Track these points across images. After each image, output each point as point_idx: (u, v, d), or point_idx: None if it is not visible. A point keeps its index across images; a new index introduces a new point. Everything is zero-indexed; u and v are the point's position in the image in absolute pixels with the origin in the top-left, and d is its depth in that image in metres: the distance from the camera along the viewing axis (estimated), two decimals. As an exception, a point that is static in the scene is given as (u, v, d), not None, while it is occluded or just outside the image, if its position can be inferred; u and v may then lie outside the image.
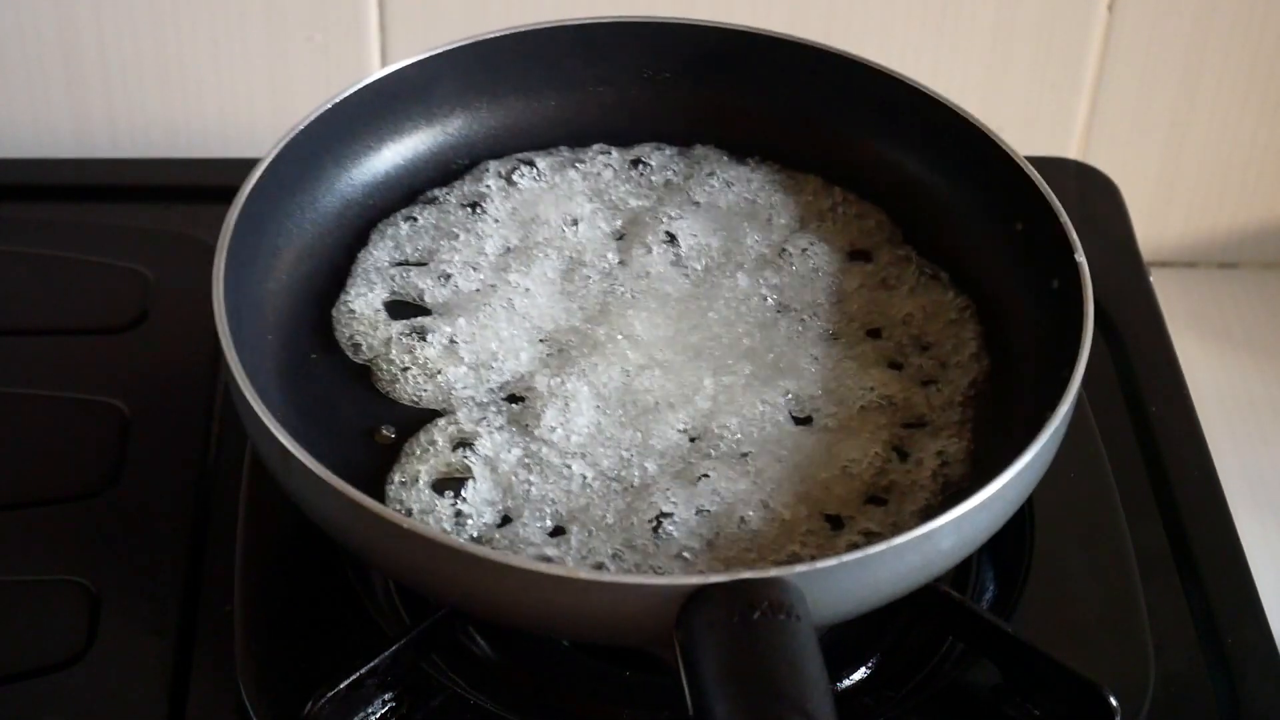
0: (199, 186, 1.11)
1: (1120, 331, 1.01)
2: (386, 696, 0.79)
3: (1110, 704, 0.78)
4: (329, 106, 0.92)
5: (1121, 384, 0.99)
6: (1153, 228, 1.19)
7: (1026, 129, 1.19)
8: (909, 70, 1.13)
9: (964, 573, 0.86)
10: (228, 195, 1.09)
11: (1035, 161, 0.90)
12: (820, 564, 0.73)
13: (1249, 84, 1.17)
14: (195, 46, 1.15)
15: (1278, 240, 1.23)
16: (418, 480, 0.84)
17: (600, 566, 0.80)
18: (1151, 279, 1.06)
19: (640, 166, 0.99)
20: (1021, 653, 0.80)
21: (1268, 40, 1.16)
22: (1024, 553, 0.87)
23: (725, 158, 0.99)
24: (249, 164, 1.16)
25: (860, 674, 0.83)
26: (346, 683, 0.77)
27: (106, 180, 1.12)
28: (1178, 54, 1.16)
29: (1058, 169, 1.14)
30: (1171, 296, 1.09)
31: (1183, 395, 0.99)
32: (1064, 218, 0.87)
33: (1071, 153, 1.20)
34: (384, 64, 1.15)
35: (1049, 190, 0.88)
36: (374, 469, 0.84)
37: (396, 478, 0.84)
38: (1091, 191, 1.12)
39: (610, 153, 0.99)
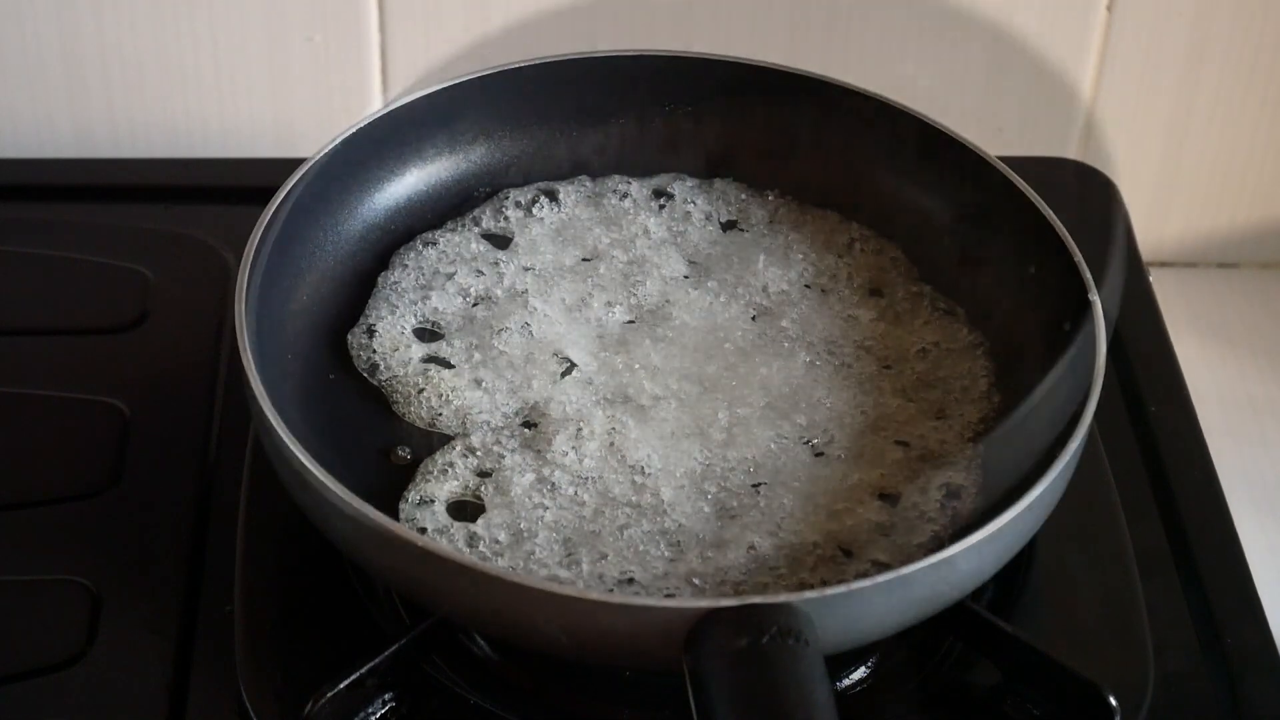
0: (199, 186, 1.11)
1: (1120, 331, 1.01)
2: (386, 696, 0.79)
3: (1110, 704, 0.78)
4: (353, 131, 0.93)
5: (1121, 384, 0.99)
6: (1153, 228, 1.19)
7: (1026, 129, 1.19)
8: (909, 70, 1.13)
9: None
10: (228, 195, 1.09)
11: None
12: (829, 591, 0.73)
13: (1249, 84, 1.17)
14: (195, 46, 1.15)
15: (1278, 240, 1.23)
16: (432, 501, 0.84)
17: (611, 590, 0.80)
18: (1151, 279, 1.06)
19: (659, 198, 0.99)
20: (1021, 653, 0.80)
21: (1268, 40, 1.16)
22: (1024, 552, 0.87)
23: (744, 191, 0.99)
24: (249, 164, 1.16)
25: (860, 674, 0.83)
26: (346, 683, 0.77)
27: (107, 180, 1.12)
28: (1178, 54, 1.16)
29: (1058, 169, 1.14)
30: (1171, 296, 1.09)
31: (1183, 395, 0.99)
32: (1078, 257, 0.87)
33: (1071, 153, 1.20)
34: (384, 65, 1.15)
35: (1065, 232, 0.89)
36: (389, 489, 0.85)
37: (411, 497, 0.84)
38: (1091, 191, 1.12)
39: (630, 184, 0.99)
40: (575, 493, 0.84)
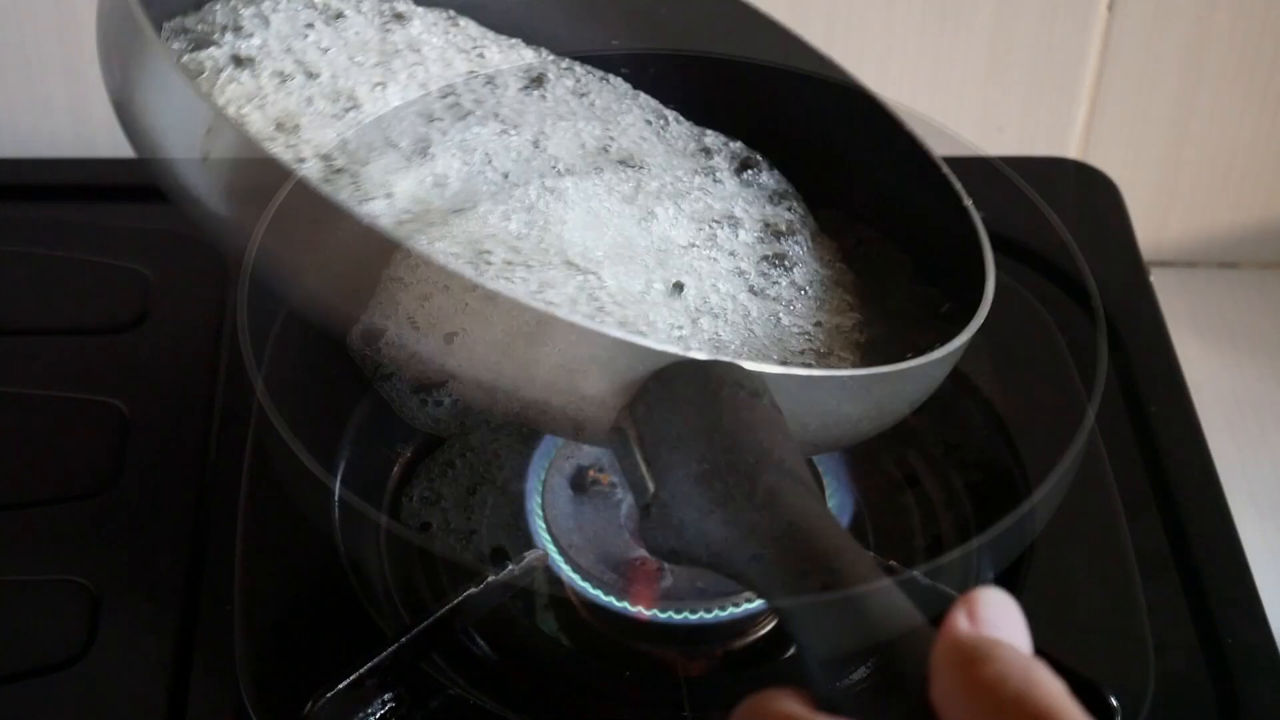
0: (199, 186, 1.11)
1: (1120, 331, 1.01)
2: (386, 696, 0.79)
3: (1110, 704, 0.78)
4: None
5: (1121, 384, 0.99)
6: (1153, 228, 1.19)
7: (1026, 129, 1.19)
8: (908, 69, 1.13)
9: (964, 572, 0.86)
10: (228, 195, 1.08)
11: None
12: (788, 370, 0.73)
13: (1249, 84, 1.17)
14: (195, 46, 1.15)
15: (1278, 240, 1.23)
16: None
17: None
18: (1151, 279, 1.06)
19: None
20: (1021, 653, 0.80)
21: (1268, 40, 1.16)
22: (1024, 553, 0.87)
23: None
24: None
25: (860, 673, 0.83)
26: (346, 683, 0.77)
27: (106, 180, 1.12)
28: (1178, 54, 1.16)
29: (1058, 169, 1.14)
30: (1171, 296, 1.09)
31: (1183, 395, 0.99)
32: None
33: (1071, 153, 1.20)
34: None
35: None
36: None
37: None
38: (1091, 191, 1.12)
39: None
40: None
